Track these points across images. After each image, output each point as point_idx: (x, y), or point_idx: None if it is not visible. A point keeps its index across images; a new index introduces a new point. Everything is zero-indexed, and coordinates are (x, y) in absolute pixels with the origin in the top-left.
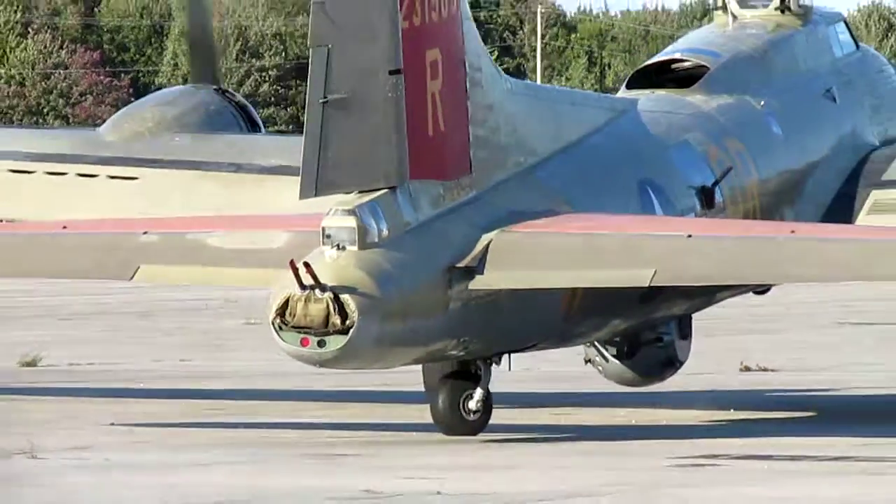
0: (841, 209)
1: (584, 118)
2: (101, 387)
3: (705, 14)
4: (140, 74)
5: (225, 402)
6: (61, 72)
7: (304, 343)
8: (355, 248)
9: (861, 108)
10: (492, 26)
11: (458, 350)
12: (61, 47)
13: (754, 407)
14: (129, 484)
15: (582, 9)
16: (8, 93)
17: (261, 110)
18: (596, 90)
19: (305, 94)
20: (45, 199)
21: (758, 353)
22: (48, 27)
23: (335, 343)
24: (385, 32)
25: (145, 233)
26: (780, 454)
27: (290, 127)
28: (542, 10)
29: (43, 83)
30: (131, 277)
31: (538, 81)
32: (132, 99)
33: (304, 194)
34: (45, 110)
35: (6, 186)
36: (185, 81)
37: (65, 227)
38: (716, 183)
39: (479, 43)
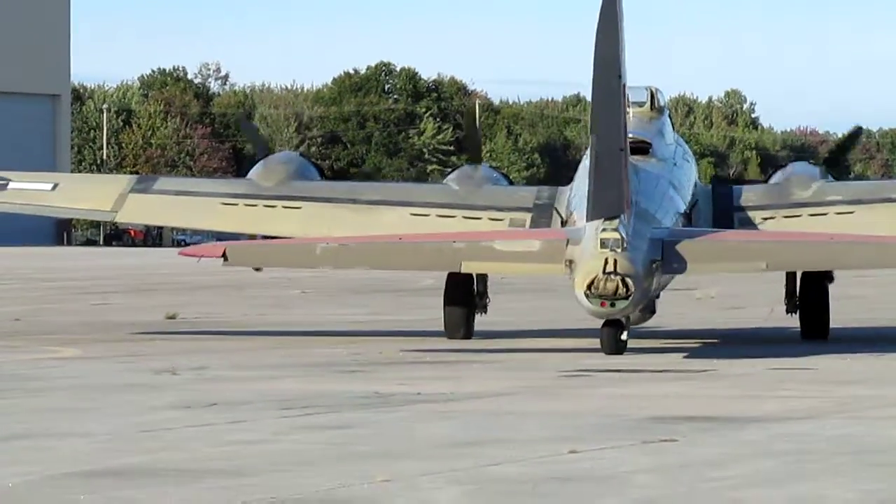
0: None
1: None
2: (213, 330)
3: (578, 103)
4: (236, 143)
5: (288, 339)
6: (189, 140)
7: (602, 305)
8: (619, 250)
9: (689, 165)
10: (448, 111)
11: (645, 305)
12: (188, 126)
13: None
14: (228, 389)
15: (502, 100)
16: (155, 154)
17: None
18: (512, 150)
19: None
20: (254, 222)
21: None
22: (180, 113)
23: (620, 305)
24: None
25: (454, 242)
26: (627, 369)
27: (330, 174)
28: (479, 101)
29: (177, 147)
30: (459, 270)
31: (480, 142)
32: (233, 159)
33: (591, 218)
34: (179, 164)
35: (222, 213)
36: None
37: (400, 239)
38: (690, 209)
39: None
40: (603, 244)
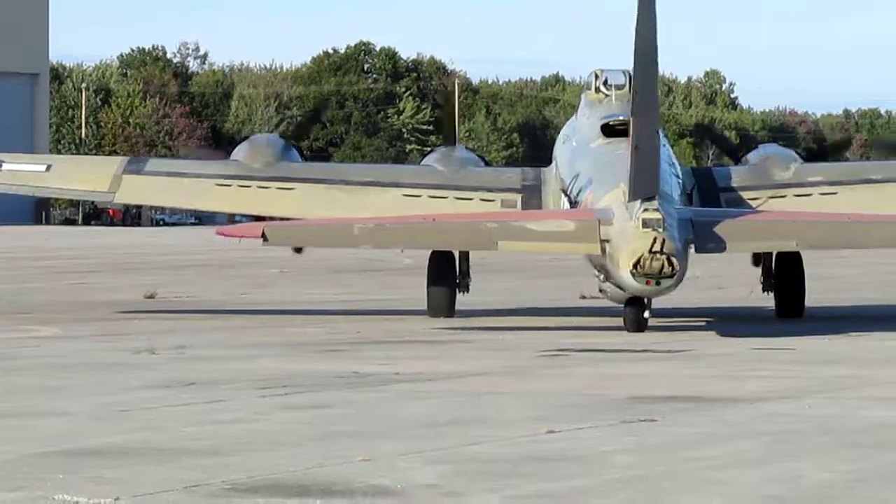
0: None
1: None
2: (192, 309)
3: (557, 83)
4: (215, 122)
5: (267, 318)
6: (167, 120)
7: (647, 283)
8: (661, 230)
9: (668, 146)
10: (427, 91)
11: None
12: (167, 105)
13: (589, 321)
14: (208, 368)
15: (482, 79)
16: (134, 133)
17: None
18: (492, 130)
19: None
20: (250, 203)
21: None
22: (159, 93)
23: (666, 283)
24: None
25: (488, 222)
26: (607, 349)
27: (310, 154)
28: (458, 81)
29: (156, 126)
30: (496, 248)
31: (455, 127)
32: (211, 137)
33: (632, 198)
34: (158, 144)
35: (218, 194)
36: (243, 128)
37: (434, 219)
38: (692, 190)
39: None
40: (645, 224)
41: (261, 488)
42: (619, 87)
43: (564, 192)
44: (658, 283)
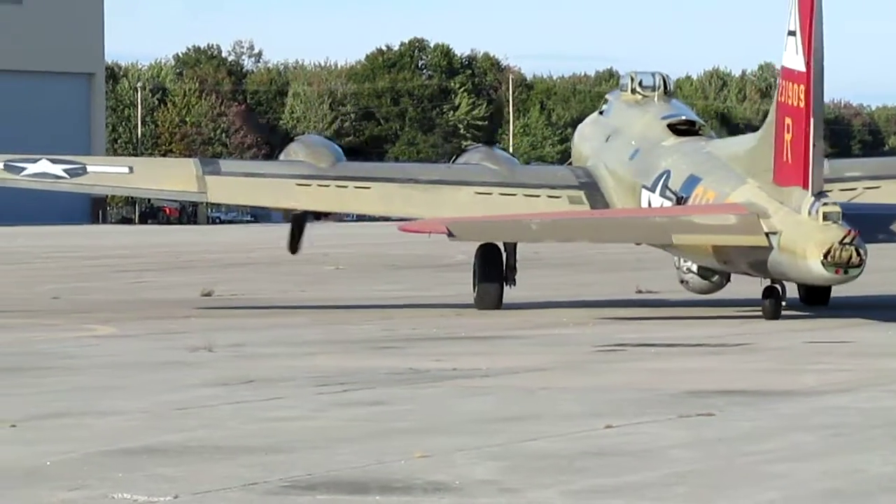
0: None
1: None
2: (248, 305)
3: (610, 78)
4: (269, 119)
5: (323, 315)
6: (223, 118)
7: (837, 272)
8: (839, 222)
9: None
10: (482, 87)
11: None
12: (222, 103)
13: (646, 314)
14: (265, 366)
15: (535, 75)
16: (191, 132)
17: (344, 139)
18: (546, 125)
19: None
20: (335, 200)
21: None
22: (214, 91)
23: (853, 272)
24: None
25: (657, 217)
26: (663, 343)
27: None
28: (513, 77)
29: (212, 124)
30: (671, 241)
31: (510, 122)
32: (268, 135)
33: (813, 191)
34: (215, 142)
35: (301, 192)
36: (298, 125)
37: (604, 215)
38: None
39: None
40: (826, 217)
41: (319, 485)
42: (651, 89)
43: (646, 187)
44: (846, 272)
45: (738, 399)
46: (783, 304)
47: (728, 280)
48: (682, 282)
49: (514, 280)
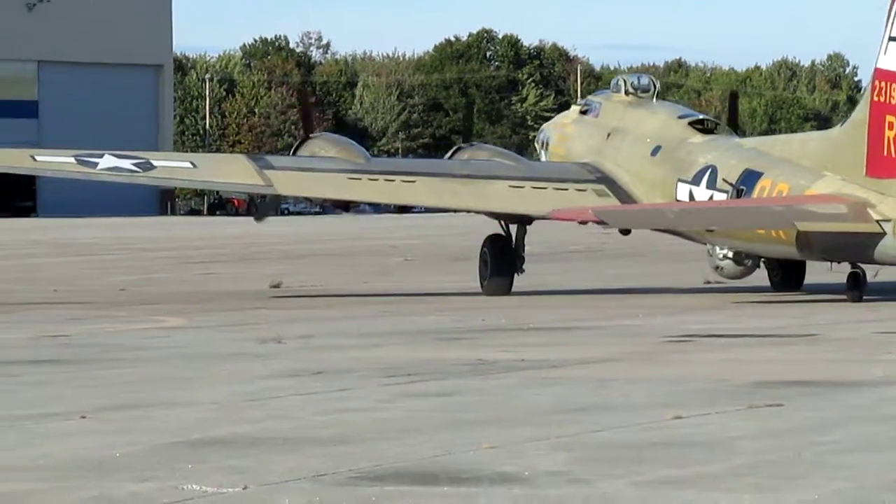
0: None
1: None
2: (318, 296)
3: (679, 68)
4: (338, 110)
5: (391, 306)
6: (293, 110)
7: None
8: None
9: None
10: (550, 78)
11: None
12: (292, 95)
13: (713, 308)
14: (334, 357)
15: (604, 65)
16: (259, 123)
17: (411, 130)
18: None
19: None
20: (392, 193)
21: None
22: (283, 82)
23: None
24: None
25: (776, 206)
26: (732, 334)
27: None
28: (581, 67)
29: (282, 116)
30: (794, 228)
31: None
32: (335, 125)
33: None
34: (284, 133)
35: (356, 186)
36: (366, 116)
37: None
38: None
39: None
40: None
41: (387, 476)
42: (647, 91)
43: (684, 181)
44: None
45: (806, 390)
46: (865, 289)
47: (758, 266)
48: (716, 268)
49: (523, 269)
